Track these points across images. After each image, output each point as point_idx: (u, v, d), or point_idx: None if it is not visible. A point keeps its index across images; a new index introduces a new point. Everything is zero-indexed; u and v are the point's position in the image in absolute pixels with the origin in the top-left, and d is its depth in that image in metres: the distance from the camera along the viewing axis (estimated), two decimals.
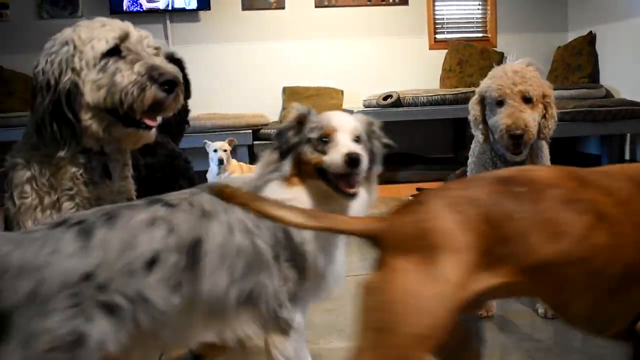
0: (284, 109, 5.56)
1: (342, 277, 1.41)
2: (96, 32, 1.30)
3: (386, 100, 4.93)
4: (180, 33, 5.61)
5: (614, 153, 5.13)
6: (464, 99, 5.00)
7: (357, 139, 1.36)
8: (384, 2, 5.81)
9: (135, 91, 1.25)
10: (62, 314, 1.07)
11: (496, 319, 2.02)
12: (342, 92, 5.60)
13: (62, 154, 1.29)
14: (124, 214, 1.18)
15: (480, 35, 5.95)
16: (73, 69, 1.28)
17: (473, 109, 2.01)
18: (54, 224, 1.17)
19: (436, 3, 5.87)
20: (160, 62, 1.31)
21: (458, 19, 5.98)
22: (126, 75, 1.26)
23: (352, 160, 1.29)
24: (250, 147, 4.96)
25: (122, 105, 1.27)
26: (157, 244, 1.16)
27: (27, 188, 1.34)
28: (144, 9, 5.42)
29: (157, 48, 1.37)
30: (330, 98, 5.51)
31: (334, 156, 1.31)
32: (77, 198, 1.34)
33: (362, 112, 5.03)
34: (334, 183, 1.32)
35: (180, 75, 1.32)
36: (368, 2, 5.80)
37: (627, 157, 5.21)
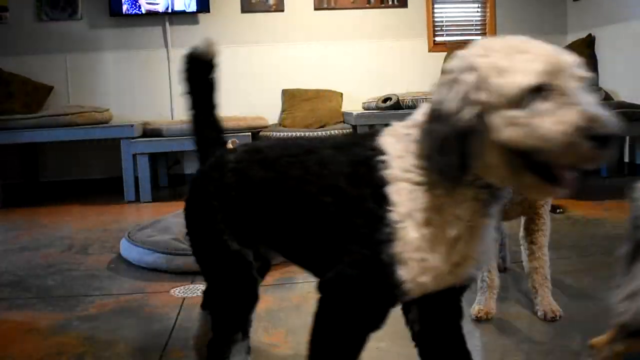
0: (283, 111, 5.57)
1: None
2: (515, 61, 1.09)
3: (385, 102, 4.93)
4: (180, 36, 5.61)
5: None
6: None
7: None
8: (383, 5, 5.82)
9: (560, 145, 1.03)
10: None
11: (495, 321, 2.02)
12: (341, 94, 5.60)
13: (462, 189, 1.15)
14: None
15: (479, 37, 5.96)
16: (478, 102, 1.10)
17: None
18: None
19: (435, 5, 5.89)
20: (596, 107, 1.07)
21: (457, 21, 5.99)
22: (552, 122, 1.03)
23: None
24: None
25: (537, 154, 1.06)
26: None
27: (435, 216, 1.15)
28: (143, 11, 5.41)
29: (581, 78, 1.13)
30: (329, 101, 5.51)
31: None
32: (474, 229, 1.20)
33: (362, 114, 5.06)
34: None
35: (617, 124, 1.08)
36: (367, 5, 5.81)
37: (626, 159, 5.22)
